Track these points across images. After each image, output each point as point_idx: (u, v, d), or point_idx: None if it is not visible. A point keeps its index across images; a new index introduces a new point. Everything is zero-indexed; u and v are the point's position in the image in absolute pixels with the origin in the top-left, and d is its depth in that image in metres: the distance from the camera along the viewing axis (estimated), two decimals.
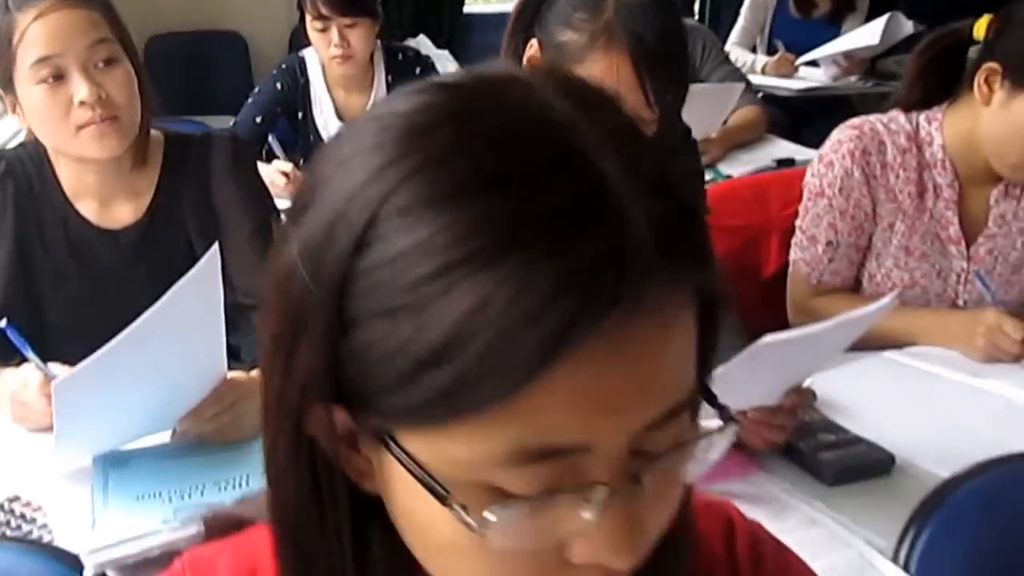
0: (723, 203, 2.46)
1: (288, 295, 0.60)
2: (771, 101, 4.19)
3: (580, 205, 0.54)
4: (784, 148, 3.55)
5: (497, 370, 0.53)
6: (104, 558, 1.27)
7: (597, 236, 0.54)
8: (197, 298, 1.38)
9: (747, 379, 1.31)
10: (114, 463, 1.51)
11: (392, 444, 0.58)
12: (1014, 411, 1.70)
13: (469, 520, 0.56)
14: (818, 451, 1.53)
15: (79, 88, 1.67)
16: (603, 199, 0.55)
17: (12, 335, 1.56)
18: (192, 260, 1.37)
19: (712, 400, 0.64)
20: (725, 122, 3.48)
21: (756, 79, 4.24)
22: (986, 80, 1.90)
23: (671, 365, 0.58)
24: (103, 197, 1.84)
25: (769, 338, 1.32)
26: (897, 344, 1.95)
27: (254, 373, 1.58)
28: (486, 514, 0.56)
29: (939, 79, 2.04)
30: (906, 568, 1.27)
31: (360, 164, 0.58)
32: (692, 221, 0.59)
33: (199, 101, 4.26)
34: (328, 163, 0.61)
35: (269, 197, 1.98)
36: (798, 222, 2.16)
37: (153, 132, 1.86)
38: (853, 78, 4.42)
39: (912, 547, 1.28)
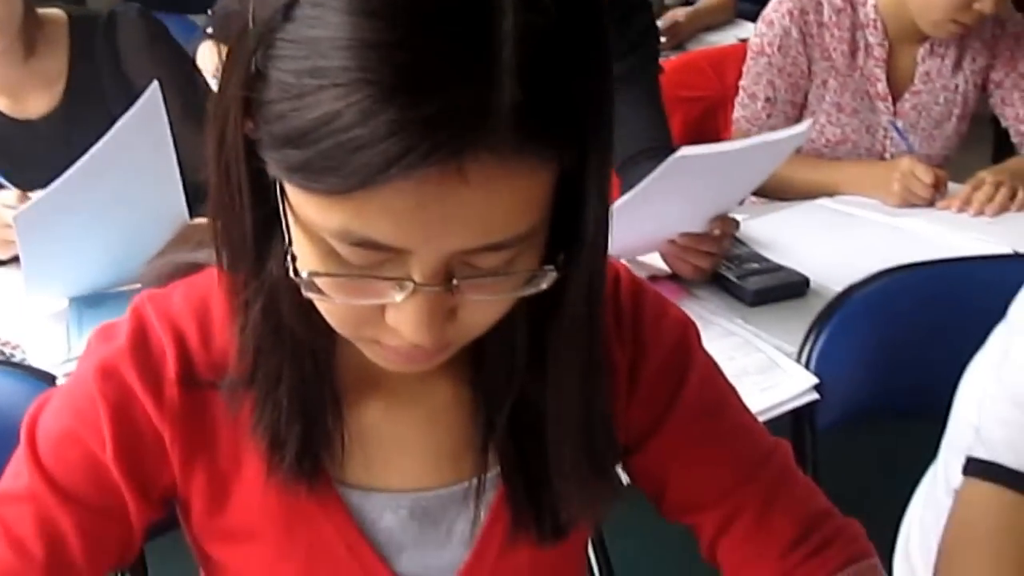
0: (682, 75, 2.56)
1: (235, 30, 0.70)
2: None
3: (459, 55, 0.61)
4: (750, 30, 3.59)
5: (332, 172, 0.63)
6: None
7: (459, 92, 0.61)
8: (143, 135, 1.44)
9: (671, 197, 1.43)
10: (89, 302, 1.63)
11: (275, 182, 0.70)
12: (923, 243, 1.85)
13: (295, 271, 0.70)
14: (741, 277, 1.68)
15: None
16: (484, 58, 0.60)
17: None
18: None
19: None
20: (693, 3, 3.55)
21: None
22: None
23: (494, 216, 0.65)
24: (11, 90, 1.84)
25: (687, 149, 1.43)
26: (821, 195, 2.08)
27: None
28: (306, 272, 0.69)
29: None
30: (807, 366, 1.41)
31: None
32: (565, 104, 0.65)
33: None
34: None
35: (194, 68, 1.97)
36: (741, 82, 2.27)
37: (55, 13, 1.84)
38: None
39: (812, 348, 1.42)
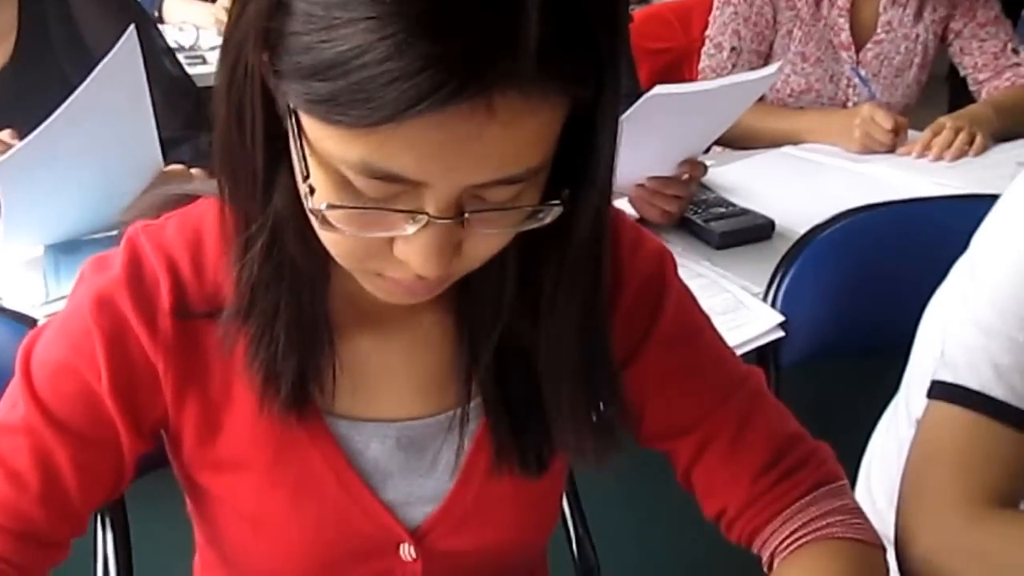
0: (648, 27, 2.59)
1: None
2: None
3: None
4: None
5: (359, 106, 0.64)
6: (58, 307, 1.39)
7: (489, 26, 0.63)
8: (120, 83, 1.44)
9: (644, 136, 1.45)
10: (64, 249, 1.63)
11: (291, 115, 0.71)
12: (883, 186, 1.90)
13: (312, 203, 0.71)
14: (708, 221, 1.73)
15: None
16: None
17: None
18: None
19: None
20: None
21: None
22: None
23: (510, 151, 0.68)
24: None
25: (661, 88, 1.47)
26: (784, 143, 2.12)
27: (194, 170, 1.68)
28: (323, 204, 0.71)
29: None
30: (773, 305, 1.46)
31: None
32: (585, 39, 0.67)
33: None
34: None
35: (149, 23, 1.96)
36: (707, 32, 2.29)
37: None
38: None
39: (778, 288, 1.47)
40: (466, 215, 0.71)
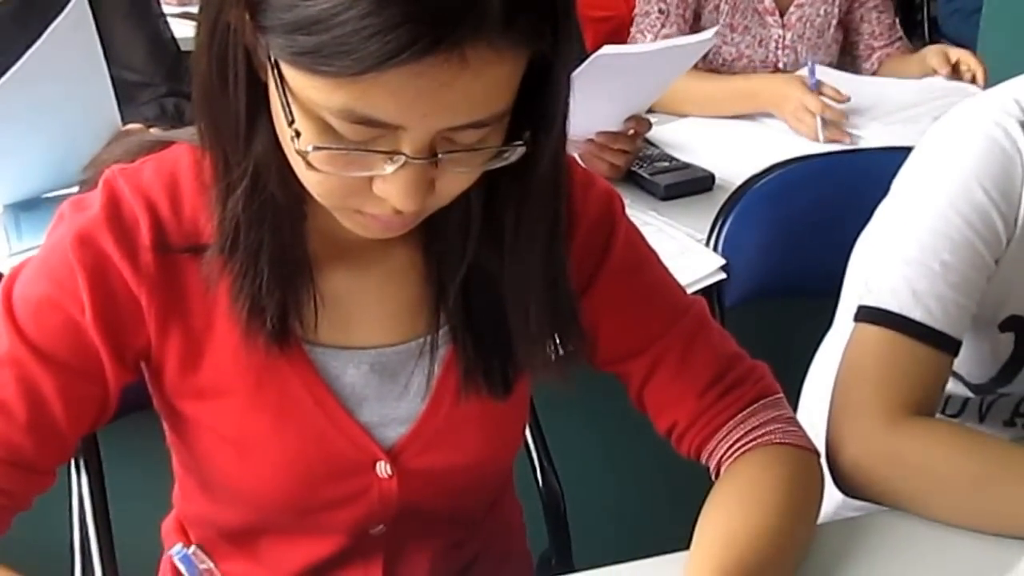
0: None
1: None
2: None
3: None
4: None
5: (342, 58, 0.71)
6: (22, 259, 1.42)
7: None
8: (71, 44, 1.47)
9: (591, 94, 1.53)
10: (24, 206, 1.67)
11: (273, 67, 0.78)
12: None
13: (298, 146, 0.78)
14: (653, 174, 1.82)
15: None
16: None
17: None
18: None
19: None
20: None
21: None
22: None
23: (480, 97, 0.75)
24: None
25: (607, 48, 1.56)
26: (719, 112, 2.19)
27: (153, 129, 1.71)
28: (309, 147, 0.77)
29: None
30: (715, 249, 1.54)
31: None
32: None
33: None
34: None
35: None
36: (636, 7, 2.36)
37: None
38: None
39: (719, 234, 1.55)
40: (439, 155, 0.79)
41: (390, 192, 0.80)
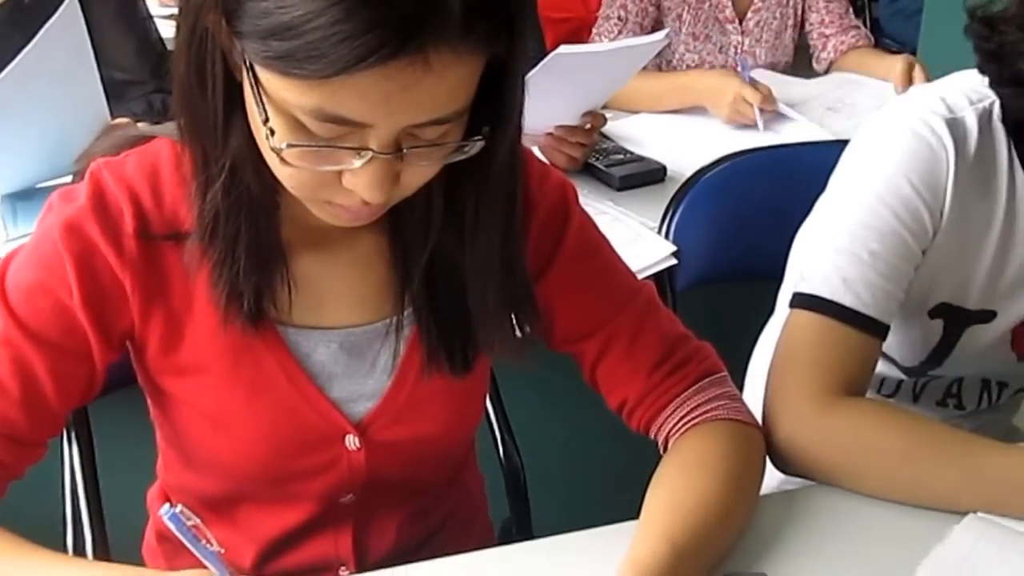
0: None
1: None
2: None
3: None
4: None
5: (313, 62, 0.71)
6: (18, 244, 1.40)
7: (417, 1, 0.70)
8: (64, 44, 1.46)
9: (550, 91, 1.52)
10: (20, 196, 1.64)
11: (248, 69, 0.77)
12: (771, 136, 1.99)
13: (272, 143, 0.78)
14: (608, 166, 1.81)
15: None
16: None
17: None
18: None
19: None
20: None
21: None
22: None
23: (442, 96, 0.76)
24: None
25: (564, 48, 1.54)
26: (665, 107, 2.16)
27: (140, 124, 1.69)
28: (283, 144, 0.77)
29: None
30: (667, 237, 1.53)
31: None
32: (500, 6, 0.76)
33: None
34: None
35: None
36: (600, 8, 2.34)
37: None
38: None
39: (670, 223, 1.54)
40: (404, 150, 0.78)
41: (358, 184, 0.80)
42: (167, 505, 0.80)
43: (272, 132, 0.78)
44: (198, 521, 0.80)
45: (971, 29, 1.04)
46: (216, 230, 0.87)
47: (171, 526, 0.80)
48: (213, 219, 0.87)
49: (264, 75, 0.76)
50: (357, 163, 0.78)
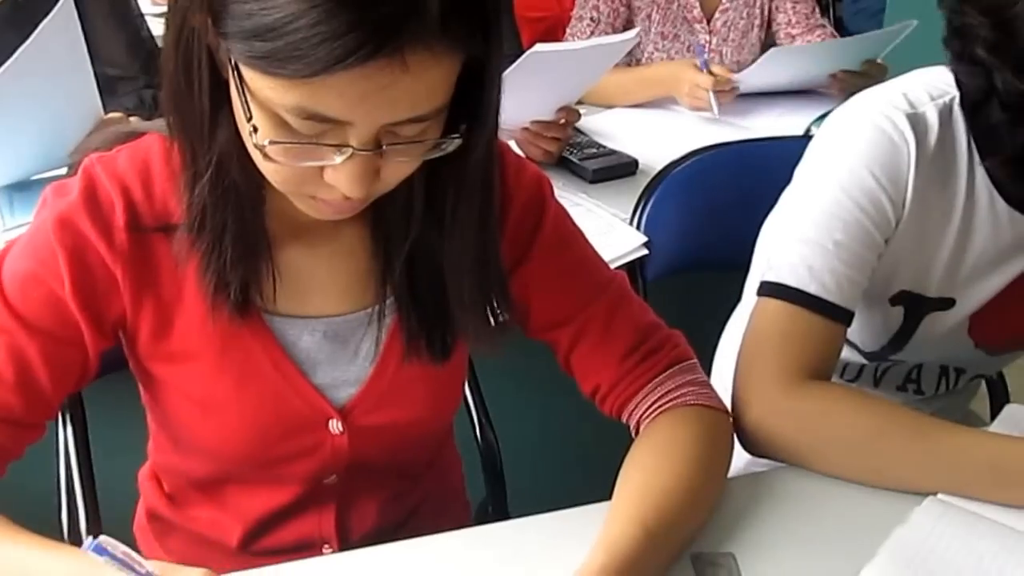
0: None
1: None
2: None
3: None
4: None
5: (295, 62, 0.72)
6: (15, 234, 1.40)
7: (395, 3, 0.71)
8: (59, 42, 1.47)
9: (526, 87, 1.53)
10: (17, 188, 1.64)
11: (233, 68, 0.78)
12: (739, 131, 2.00)
13: (255, 140, 0.79)
14: (582, 159, 1.82)
15: None
16: None
17: None
18: None
19: None
20: None
21: None
22: None
23: (419, 95, 0.77)
24: None
25: (540, 46, 1.56)
26: (634, 99, 2.18)
27: (132, 119, 1.69)
28: (266, 140, 0.78)
29: None
30: (638, 228, 1.54)
31: None
32: (476, 7, 0.77)
33: None
34: None
35: None
36: (573, 11, 2.35)
37: None
38: None
39: (642, 214, 1.55)
40: (384, 147, 0.79)
41: (339, 180, 0.81)
42: (89, 538, 0.75)
43: (256, 129, 0.78)
44: (127, 548, 0.76)
45: (943, 2, 1.05)
46: (204, 222, 0.88)
47: (97, 558, 0.75)
48: (201, 212, 0.87)
49: (248, 74, 0.77)
50: (338, 159, 0.79)
